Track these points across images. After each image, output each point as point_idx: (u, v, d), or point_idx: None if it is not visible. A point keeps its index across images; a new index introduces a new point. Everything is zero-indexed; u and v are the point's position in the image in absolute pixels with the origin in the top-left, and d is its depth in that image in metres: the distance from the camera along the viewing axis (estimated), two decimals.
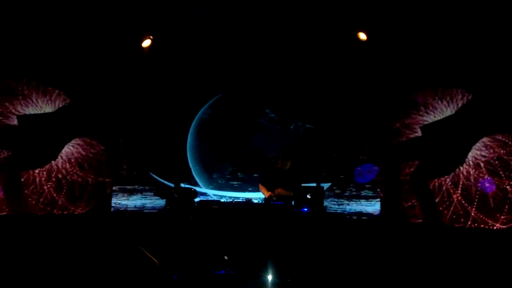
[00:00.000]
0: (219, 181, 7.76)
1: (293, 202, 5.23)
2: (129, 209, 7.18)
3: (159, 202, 7.05)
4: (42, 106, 6.67)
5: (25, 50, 6.46)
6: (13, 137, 6.36)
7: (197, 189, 7.14)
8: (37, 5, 6.10)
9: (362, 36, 6.34)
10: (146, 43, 6.62)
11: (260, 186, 5.66)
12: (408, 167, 6.75)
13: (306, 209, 5.11)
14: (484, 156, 6.20)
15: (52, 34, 6.49)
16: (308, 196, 5.08)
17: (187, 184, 6.74)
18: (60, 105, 6.77)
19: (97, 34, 6.67)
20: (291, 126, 7.75)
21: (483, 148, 6.20)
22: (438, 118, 6.51)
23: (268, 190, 5.48)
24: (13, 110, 6.42)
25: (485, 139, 6.19)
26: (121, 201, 7.18)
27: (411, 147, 6.73)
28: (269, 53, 7.33)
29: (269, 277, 4.67)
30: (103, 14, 6.40)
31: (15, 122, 6.39)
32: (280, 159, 5.58)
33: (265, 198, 5.54)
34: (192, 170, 7.82)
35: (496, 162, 6.13)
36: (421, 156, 6.65)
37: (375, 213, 6.90)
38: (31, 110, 6.56)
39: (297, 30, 6.82)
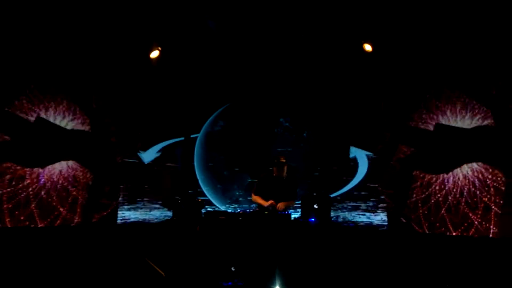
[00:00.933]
0: (237, 193, 7.74)
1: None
2: (134, 220, 7.23)
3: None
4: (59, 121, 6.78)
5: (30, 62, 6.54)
6: (18, 130, 6.34)
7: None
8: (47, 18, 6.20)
9: (368, 47, 6.30)
10: (155, 54, 6.66)
11: (255, 197, 5.61)
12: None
13: (313, 219, 5.08)
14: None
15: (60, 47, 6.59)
16: (315, 206, 5.06)
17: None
18: (75, 127, 6.87)
19: (104, 45, 6.74)
20: (304, 134, 7.77)
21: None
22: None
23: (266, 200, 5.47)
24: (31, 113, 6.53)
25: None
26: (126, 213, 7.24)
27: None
28: (275, 61, 7.33)
29: None
30: (111, 26, 6.49)
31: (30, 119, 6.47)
32: (275, 167, 5.52)
33: (264, 206, 5.43)
34: (200, 181, 7.83)
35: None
36: (416, 148, 6.62)
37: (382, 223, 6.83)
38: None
39: (303, 37, 6.80)
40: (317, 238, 5.02)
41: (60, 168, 6.68)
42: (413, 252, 5.75)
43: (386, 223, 6.77)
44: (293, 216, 5.33)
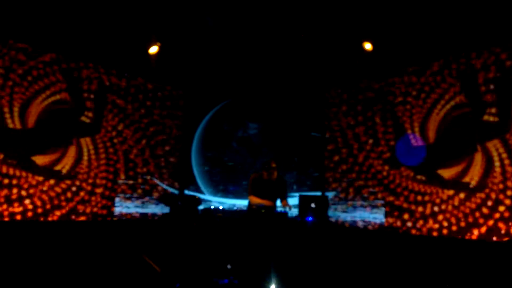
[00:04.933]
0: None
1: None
2: (131, 215, 7.19)
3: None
4: None
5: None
6: None
7: (201, 196, 7.12)
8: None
9: (368, 46, 6.26)
10: (154, 49, 6.63)
11: (253, 197, 5.61)
12: None
13: (310, 218, 5.06)
14: None
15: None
16: (313, 205, 5.04)
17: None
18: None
19: (106, 38, 6.72)
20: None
21: None
22: None
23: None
24: None
25: None
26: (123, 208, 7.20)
27: None
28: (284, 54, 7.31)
29: (272, 287, 4.62)
30: (111, 20, 6.44)
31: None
32: (266, 172, 5.56)
33: (264, 205, 5.43)
34: (197, 177, 7.82)
35: None
36: None
37: (380, 222, 6.80)
38: None
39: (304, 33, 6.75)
40: (314, 237, 5.00)
41: None
42: (410, 252, 5.73)
43: (384, 222, 6.75)
44: (290, 214, 5.32)
